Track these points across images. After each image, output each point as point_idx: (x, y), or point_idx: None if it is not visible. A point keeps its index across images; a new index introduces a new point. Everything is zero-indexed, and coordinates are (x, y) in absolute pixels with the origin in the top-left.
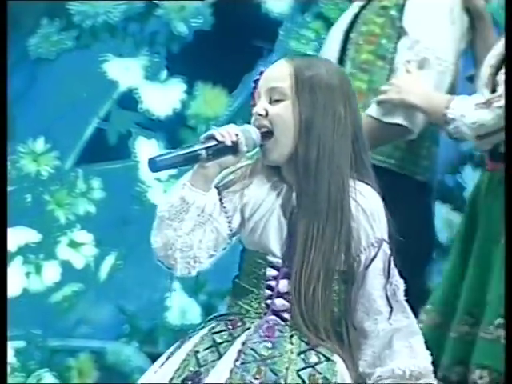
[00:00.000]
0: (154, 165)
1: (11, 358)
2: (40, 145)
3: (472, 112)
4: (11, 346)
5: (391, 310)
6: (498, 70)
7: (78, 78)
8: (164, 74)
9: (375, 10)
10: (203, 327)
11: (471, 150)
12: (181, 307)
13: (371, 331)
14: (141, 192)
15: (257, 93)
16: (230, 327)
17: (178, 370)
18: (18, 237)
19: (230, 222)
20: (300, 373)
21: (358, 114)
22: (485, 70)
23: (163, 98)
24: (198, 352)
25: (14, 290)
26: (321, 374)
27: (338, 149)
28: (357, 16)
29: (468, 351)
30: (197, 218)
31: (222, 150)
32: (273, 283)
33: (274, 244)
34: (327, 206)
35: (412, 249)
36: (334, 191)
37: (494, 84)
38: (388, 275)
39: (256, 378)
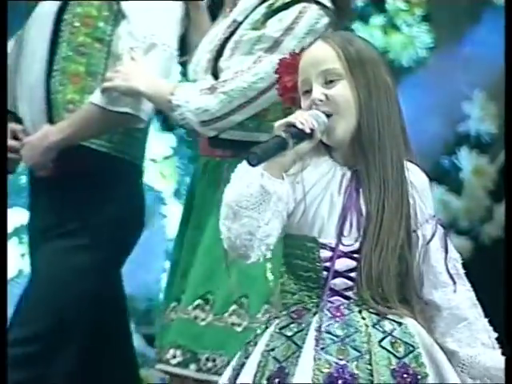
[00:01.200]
0: (256, 158)
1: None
2: None
3: (197, 98)
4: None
5: (454, 283)
6: (218, 56)
7: None
8: None
9: None
10: (267, 328)
11: (467, 131)
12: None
13: (442, 303)
14: None
15: (302, 79)
16: (296, 317)
17: (257, 373)
18: (13, 218)
19: (288, 208)
20: (382, 343)
21: (396, 89)
22: (203, 56)
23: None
24: (272, 350)
25: (9, 270)
26: (400, 339)
27: (394, 122)
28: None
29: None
30: (276, 208)
31: (302, 136)
32: (328, 264)
33: (327, 224)
34: (392, 181)
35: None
36: (395, 166)
37: (215, 69)
38: (446, 250)
39: (340, 359)
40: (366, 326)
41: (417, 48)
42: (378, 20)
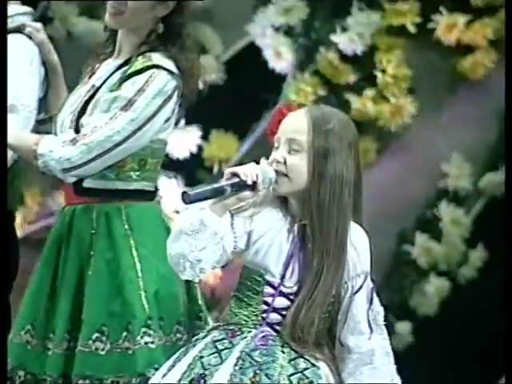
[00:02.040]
0: (188, 198)
1: None
2: None
3: (59, 148)
4: None
5: (371, 332)
6: (79, 114)
7: None
8: (182, 122)
9: None
10: (206, 336)
11: (446, 187)
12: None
13: (354, 347)
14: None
15: (276, 136)
16: (230, 335)
17: (185, 372)
18: None
19: (236, 243)
20: (291, 377)
21: (359, 160)
22: (67, 116)
23: (182, 142)
24: (202, 357)
25: None
26: (308, 377)
27: (345, 194)
28: None
29: (69, 365)
30: (210, 239)
31: (243, 186)
32: (269, 299)
33: (274, 266)
34: (334, 243)
35: None
36: (340, 231)
37: (77, 126)
38: (371, 302)
39: (252, 382)
40: (284, 359)
41: (403, 116)
42: (369, 92)
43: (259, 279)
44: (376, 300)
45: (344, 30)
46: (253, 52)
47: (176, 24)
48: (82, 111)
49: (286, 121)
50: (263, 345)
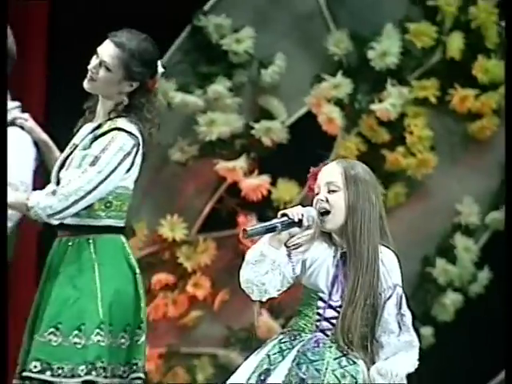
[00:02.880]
0: (246, 233)
1: None
2: None
3: (43, 199)
4: None
5: (400, 331)
6: (60, 168)
7: None
8: (256, 171)
9: None
10: (275, 339)
11: (459, 223)
12: (267, 326)
13: (386, 344)
14: None
15: (317, 184)
16: (292, 339)
17: (257, 366)
18: None
19: (294, 269)
20: (335, 372)
21: (382, 200)
22: (53, 171)
23: (256, 188)
24: (269, 356)
25: None
26: (349, 372)
27: (373, 224)
28: None
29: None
30: (269, 266)
31: (291, 223)
32: (321, 311)
33: (324, 285)
34: (366, 262)
35: None
36: (371, 252)
37: (58, 179)
38: (400, 307)
39: (305, 374)
40: (330, 357)
41: (427, 168)
42: (400, 149)
43: (313, 296)
44: (404, 306)
45: (380, 101)
46: (310, 118)
47: (137, 100)
48: (62, 166)
49: (323, 170)
50: (315, 347)
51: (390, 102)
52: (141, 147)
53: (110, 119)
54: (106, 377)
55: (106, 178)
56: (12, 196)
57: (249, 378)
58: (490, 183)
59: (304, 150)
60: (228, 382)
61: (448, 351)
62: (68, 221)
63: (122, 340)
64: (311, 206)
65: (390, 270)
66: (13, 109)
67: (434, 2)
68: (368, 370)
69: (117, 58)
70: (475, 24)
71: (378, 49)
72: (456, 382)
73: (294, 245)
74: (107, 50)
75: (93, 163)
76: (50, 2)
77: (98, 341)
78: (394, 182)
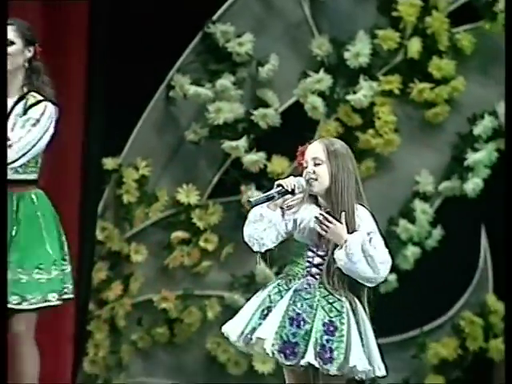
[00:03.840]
0: (250, 204)
1: None
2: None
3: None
4: None
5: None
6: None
7: None
8: (254, 149)
9: None
10: (273, 282)
11: (418, 190)
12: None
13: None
14: None
15: (304, 159)
16: (288, 282)
17: (260, 305)
18: None
19: (287, 226)
20: (324, 307)
21: (357, 168)
22: None
23: (254, 162)
24: (270, 296)
25: None
26: (335, 307)
27: (351, 189)
28: None
29: None
30: (267, 224)
31: (285, 192)
32: (311, 259)
33: (312, 238)
34: (346, 218)
35: None
36: (349, 211)
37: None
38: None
39: (300, 310)
40: (320, 296)
41: (392, 147)
42: (370, 131)
43: (304, 247)
44: (374, 243)
45: (354, 92)
46: (298, 106)
47: (36, 65)
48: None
49: (309, 148)
50: (307, 288)
51: (363, 93)
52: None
53: (27, 94)
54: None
55: (43, 136)
56: None
57: (253, 314)
58: (442, 159)
59: (293, 132)
60: (235, 318)
61: (408, 293)
62: (11, 176)
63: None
64: (301, 176)
65: (362, 220)
66: None
67: (398, 13)
68: (350, 305)
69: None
70: (430, 31)
71: (352, 50)
72: (415, 318)
73: (287, 206)
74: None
75: (34, 125)
76: (89, 2)
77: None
78: (365, 158)
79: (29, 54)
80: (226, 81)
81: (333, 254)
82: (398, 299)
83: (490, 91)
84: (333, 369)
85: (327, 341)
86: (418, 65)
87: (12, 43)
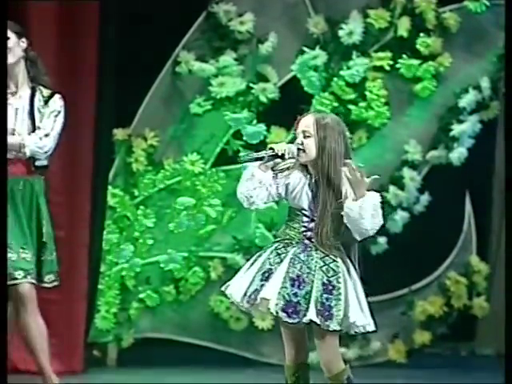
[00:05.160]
0: (240, 159)
1: None
2: None
3: (40, 141)
4: None
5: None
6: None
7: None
8: (255, 121)
9: None
10: (271, 246)
11: (407, 159)
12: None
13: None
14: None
15: (297, 132)
16: (286, 246)
17: (260, 267)
18: None
19: (277, 189)
20: (322, 268)
21: (347, 139)
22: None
23: (255, 133)
24: (270, 258)
25: None
26: (331, 267)
27: (338, 160)
28: None
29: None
30: (257, 184)
31: (275, 156)
32: (306, 224)
33: (306, 204)
34: (333, 186)
35: None
36: (336, 179)
37: (31, 128)
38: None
39: (300, 271)
40: (317, 257)
41: (382, 118)
42: (362, 104)
43: (298, 213)
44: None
45: (348, 68)
46: (295, 81)
47: (33, 55)
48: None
49: (301, 120)
50: (305, 250)
51: (355, 68)
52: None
53: (37, 87)
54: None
55: (63, 125)
56: (9, 139)
57: (254, 276)
58: (429, 129)
59: (291, 105)
60: (236, 280)
61: (398, 255)
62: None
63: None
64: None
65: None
66: None
67: None
68: (344, 264)
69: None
70: (418, 10)
71: (346, 29)
72: (403, 278)
73: (279, 169)
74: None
75: (57, 116)
76: (101, 1)
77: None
78: (357, 128)
79: (24, 45)
80: (228, 57)
81: (323, 216)
82: (388, 260)
83: (474, 67)
84: (333, 325)
85: (326, 299)
86: (407, 42)
87: (8, 38)
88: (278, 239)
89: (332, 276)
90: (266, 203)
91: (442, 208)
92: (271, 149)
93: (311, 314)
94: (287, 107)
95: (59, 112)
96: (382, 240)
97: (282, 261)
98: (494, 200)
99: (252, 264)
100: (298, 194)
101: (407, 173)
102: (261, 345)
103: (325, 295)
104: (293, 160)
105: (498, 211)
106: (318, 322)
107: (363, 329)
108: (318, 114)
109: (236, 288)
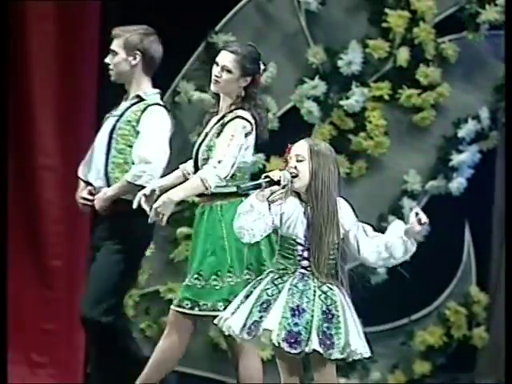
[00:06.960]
0: (241, 189)
1: None
2: None
3: (214, 171)
4: None
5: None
6: (197, 152)
7: None
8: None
9: (124, 122)
10: (266, 277)
11: (406, 189)
12: None
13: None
14: None
15: (289, 156)
16: (282, 276)
17: (257, 299)
18: None
19: (273, 221)
20: (320, 297)
21: (339, 168)
22: (193, 153)
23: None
24: (267, 289)
25: None
26: (328, 296)
27: (332, 185)
28: (114, 126)
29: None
30: (257, 215)
31: (272, 182)
32: (301, 253)
33: (300, 233)
34: (327, 214)
35: None
36: (330, 207)
37: (204, 157)
38: (357, 228)
39: (299, 301)
40: (314, 287)
41: (382, 148)
42: (362, 134)
43: (293, 242)
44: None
45: (347, 98)
46: (295, 111)
47: (251, 91)
48: (197, 150)
49: (294, 146)
50: (302, 279)
51: (355, 98)
52: (254, 129)
53: (230, 111)
54: None
55: (238, 153)
56: (175, 191)
57: (252, 308)
58: (428, 159)
59: (290, 135)
60: (232, 312)
61: (397, 285)
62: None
63: (247, 276)
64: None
65: (344, 213)
66: (154, 94)
67: (387, 24)
68: (341, 292)
69: (234, 61)
70: (418, 40)
71: (345, 59)
72: (403, 308)
73: (272, 200)
74: (226, 58)
75: (230, 140)
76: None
77: (229, 282)
78: (357, 159)
79: (243, 84)
80: None
81: (319, 244)
82: (387, 290)
83: (473, 97)
84: (335, 353)
85: (327, 328)
86: (407, 72)
87: (228, 71)
88: (273, 269)
89: (330, 304)
90: (262, 236)
91: (441, 238)
92: (267, 176)
93: (314, 344)
94: (287, 137)
95: (232, 137)
96: (382, 270)
97: (280, 291)
98: (494, 230)
99: (247, 296)
100: (293, 223)
101: (407, 203)
102: None
103: (325, 324)
104: (284, 189)
105: (498, 241)
106: (321, 352)
107: (361, 356)
108: (310, 140)
109: (234, 320)
